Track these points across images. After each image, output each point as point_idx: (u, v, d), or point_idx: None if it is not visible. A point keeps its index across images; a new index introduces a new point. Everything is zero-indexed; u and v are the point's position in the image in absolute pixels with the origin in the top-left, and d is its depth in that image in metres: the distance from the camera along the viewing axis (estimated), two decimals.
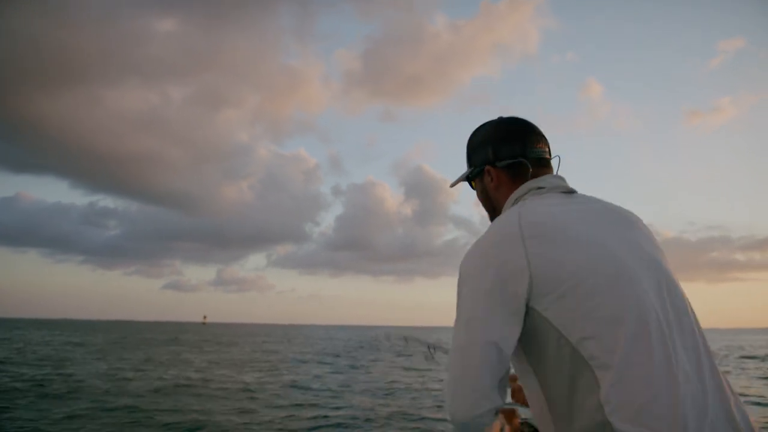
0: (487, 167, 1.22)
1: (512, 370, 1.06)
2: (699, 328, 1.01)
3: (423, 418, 9.66)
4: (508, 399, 1.21)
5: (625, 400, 0.87)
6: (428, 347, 1.87)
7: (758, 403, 11.08)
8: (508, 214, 1.07)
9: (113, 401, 11.07)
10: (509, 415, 1.37)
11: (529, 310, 0.97)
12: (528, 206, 1.07)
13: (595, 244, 0.99)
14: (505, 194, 1.20)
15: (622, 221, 1.09)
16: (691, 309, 1.03)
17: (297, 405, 11.17)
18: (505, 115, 1.27)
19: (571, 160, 1.26)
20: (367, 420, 9.54)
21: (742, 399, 0.98)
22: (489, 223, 1.28)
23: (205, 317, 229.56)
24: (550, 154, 1.23)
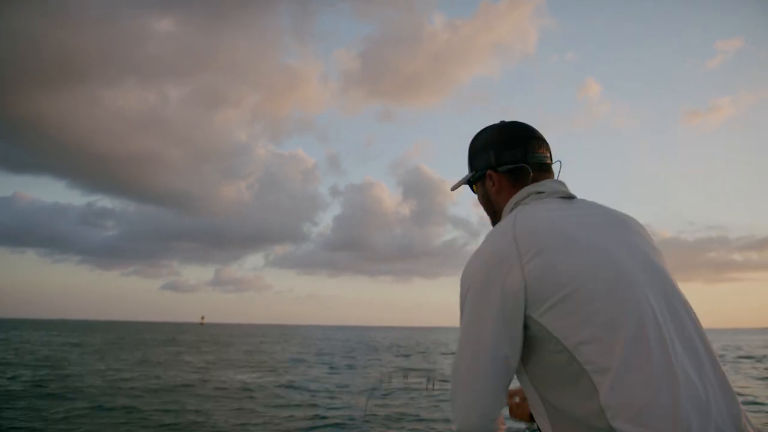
0: (489, 172, 1.23)
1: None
2: (700, 328, 1.01)
3: (421, 419, 9.66)
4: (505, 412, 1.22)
5: (626, 403, 0.87)
6: (427, 379, 1.91)
7: (754, 402, 11.10)
8: (503, 224, 1.08)
9: (111, 401, 11.05)
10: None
11: (525, 318, 0.99)
12: (525, 212, 1.08)
13: (594, 249, 1.00)
14: (506, 198, 1.21)
15: (621, 225, 1.10)
16: (692, 310, 1.03)
17: (295, 405, 11.16)
18: (505, 117, 1.30)
19: (570, 160, 1.27)
20: (366, 421, 9.54)
21: (740, 399, 0.98)
22: (488, 223, 1.30)
23: (203, 317, 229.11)
24: (551, 159, 1.24)
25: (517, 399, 1.40)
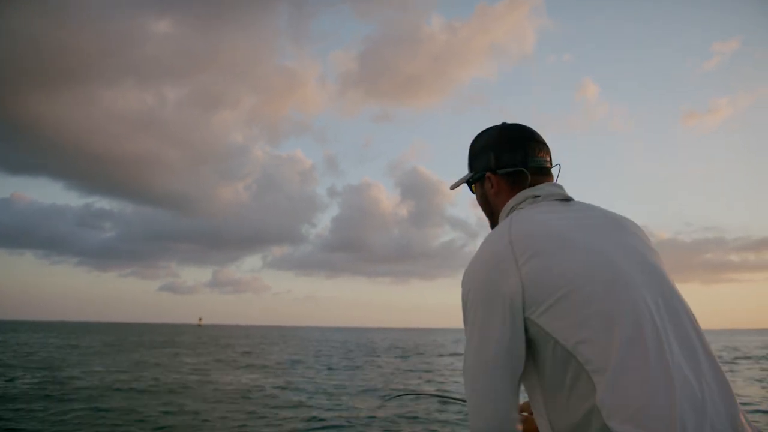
0: (488, 174, 1.23)
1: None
2: (698, 329, 1.01)
3: (420, 419, 9.66)
4: None
5: (621, 404, 0.88)
6: (439, 400, 1.92)
7: (749, 403, 11.13)
8: (500, 227, 1.09)
9: (109, 403, 11.04)
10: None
11: (524, 320, 1.00)
12: (520, 216, 1.10)
13: (592, 251, 1.01)
14: (504, 201, 1.22)
15: (618, 227, 1.10)
16: (690, 311, 1.04)
17: (292, 406, 11.16)
18: (503, 118, 1.30)
19: (567, 161, 1.28)
20: (364, 422, 9.54)
21: (737, 400, 0.98)
22: (486, 225, 1.32)
23: (200, 319, 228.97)
24: (551, 163, 1.25)
25: (525, 414, 1.40)
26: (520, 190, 1.19)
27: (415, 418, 9.82)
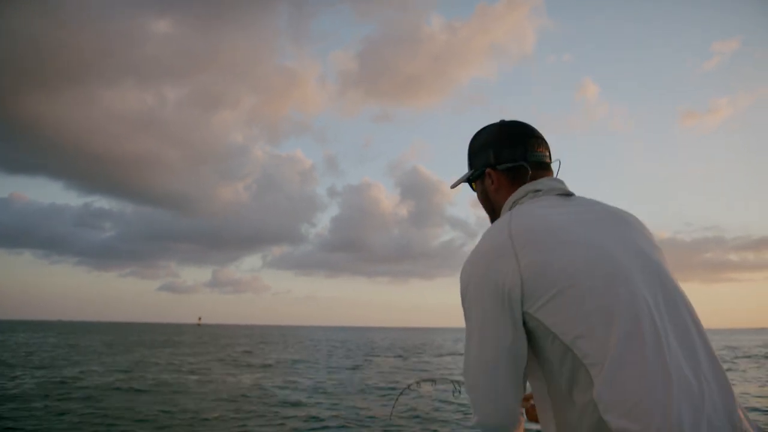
0: (488, 170, 1.24)
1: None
2: (698, 326, 1.01)
3: (419, 418, 9.66)
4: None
5: (618, 398, 0.88)
6: (453, 386, 1.96)
7: (749, 403, 11.13)
8: (500, 221, 1.10)
9: (108, 403, 11.03)
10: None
11: (523, 314, 1.00)
12: (521, 211, 1.10)
13: (592, 246, 1.01)
14: (505, 197, 1.22)
15: (620, 222, 1.10)
16: (690, 307, 1.03)
17: (292, 405, 11.16)
18: (503, 118, 1.30)
19: (567, 161, 1.28)
20: (362, 421, 9.54)
21: (737, 398, 0.98)
22: (486, 224, 1.31)
23: (200, 319, 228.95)
24: (550, 158, 1.25)
25: (531, 402, 1.41)
26: (521, 186, 1.19)
27: (416, 417, 9.83)
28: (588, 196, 1.18)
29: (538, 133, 1.25)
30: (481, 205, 1.33)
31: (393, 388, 14.07)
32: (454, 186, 1.36)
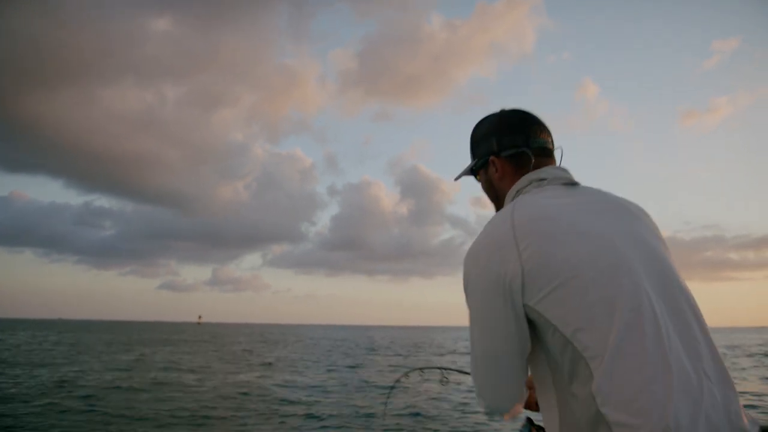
0: (492, 158, 1.22)
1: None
2: (700, 319, 1.00)
3: (419, 417, 9.67)
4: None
5: (617, 391, 0.88)
6: (441, 373, 1.94)
7: (750, 401, 11.14)
8: (503, 211, 1.08)
9: (108, 401, 11.04)
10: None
11: (523, 306, 0.99)
12: (524, 200, 1.08)
13: (594, 236, 1.00)
14: (509, 184, 1.20)
15: (625, 213, 1.09)
16: (693, 301, 1.03)
17: (292, 404, 11.17)
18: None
19: (567, 161, 1.26)
20: (362, 420, 9.54)
21: (737, 393, 0.98)
22: (486, 219, 1.30)
23: (200, 317, 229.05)
24: (553, 145, 1.24)
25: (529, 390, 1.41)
26: (525, 173, 1.18)
27: (416, 414, 9.84)
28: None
29: (540, 119, 1.24)
30: (481, 203, 1.34)
31: (393, 387, 14.07)
32: (458, 178, 1.35)
